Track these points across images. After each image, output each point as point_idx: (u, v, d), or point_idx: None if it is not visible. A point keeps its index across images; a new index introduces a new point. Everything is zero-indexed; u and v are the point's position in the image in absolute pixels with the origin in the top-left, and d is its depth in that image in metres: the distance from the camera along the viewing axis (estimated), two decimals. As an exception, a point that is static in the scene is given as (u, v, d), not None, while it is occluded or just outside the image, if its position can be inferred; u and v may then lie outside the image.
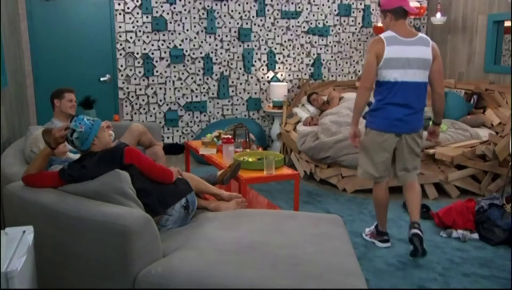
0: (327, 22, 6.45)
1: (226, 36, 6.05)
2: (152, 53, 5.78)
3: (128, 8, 5.60)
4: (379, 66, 3.09)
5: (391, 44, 3.07)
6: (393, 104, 3.12)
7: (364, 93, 3.13)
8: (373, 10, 6.59)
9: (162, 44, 5.81)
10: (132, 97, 5.80)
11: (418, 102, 3.17)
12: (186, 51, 5.91)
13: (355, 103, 3.19)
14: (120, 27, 5.61)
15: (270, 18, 6.21)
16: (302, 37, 6.39)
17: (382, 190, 3.35)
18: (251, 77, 6.27)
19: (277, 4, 6.20)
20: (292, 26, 6.32)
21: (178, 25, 5.84)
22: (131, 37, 5.66)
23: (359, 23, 6.60)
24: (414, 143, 3.25)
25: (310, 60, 6.50)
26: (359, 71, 6.73)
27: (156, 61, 5.82)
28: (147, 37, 5.72)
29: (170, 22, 5.80)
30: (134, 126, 4.06)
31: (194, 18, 5.89)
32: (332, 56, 6.58)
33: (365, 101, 3.17)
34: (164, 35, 5.80)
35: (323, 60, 6.54)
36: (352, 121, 3.25)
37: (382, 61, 3.07)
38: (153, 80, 5.85)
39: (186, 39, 5.89)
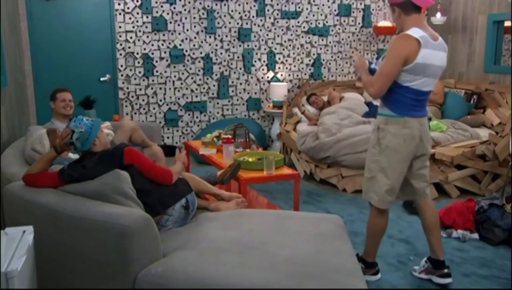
0: (327, 22, 6.45)
1: (226, 36, 6.05)
2: (152, 53, 5.78)
3: (128, 8, 5.60)
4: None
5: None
6: None
7: None
8: (373, 10, 6.58)
9: (162, 44, 5.80)
10: (132, 97, 5.80)
11: None
12: (186, 51, 5.91)
13: None
14: (120, 27, 5.60)
15: (270, 18, 6.21)
16: (302, 37, 6.39)
17: None
18: (251, 77, 6.27)
19: (277, 4, 6.20)
20: (292, 26, 6.31)
21: (178, 25, 5.83)
22: (131, 37, 5.66)
23: (359, 23, 6.59)
24: None
25: (310, 60, 6.49)
26: (359, 71, 6.72)
27: (156, 61, 5.81)
28: (147, 37, 5.72)
29: (170, 22, 5.80)
30: (125, 122, 3.99)
31: (194, 18, 5.88)
32: (332, 56, 6.57)
33: None
34: (164, 35, 5.79)
35: (323, 60, 6.54)
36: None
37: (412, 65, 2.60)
38: (153, 80, 5.85)
39: (186, 39, 5.89)
